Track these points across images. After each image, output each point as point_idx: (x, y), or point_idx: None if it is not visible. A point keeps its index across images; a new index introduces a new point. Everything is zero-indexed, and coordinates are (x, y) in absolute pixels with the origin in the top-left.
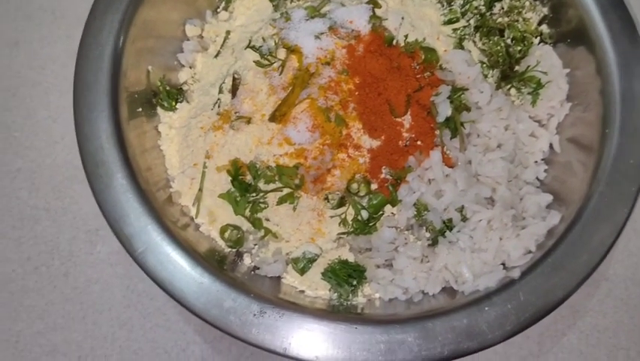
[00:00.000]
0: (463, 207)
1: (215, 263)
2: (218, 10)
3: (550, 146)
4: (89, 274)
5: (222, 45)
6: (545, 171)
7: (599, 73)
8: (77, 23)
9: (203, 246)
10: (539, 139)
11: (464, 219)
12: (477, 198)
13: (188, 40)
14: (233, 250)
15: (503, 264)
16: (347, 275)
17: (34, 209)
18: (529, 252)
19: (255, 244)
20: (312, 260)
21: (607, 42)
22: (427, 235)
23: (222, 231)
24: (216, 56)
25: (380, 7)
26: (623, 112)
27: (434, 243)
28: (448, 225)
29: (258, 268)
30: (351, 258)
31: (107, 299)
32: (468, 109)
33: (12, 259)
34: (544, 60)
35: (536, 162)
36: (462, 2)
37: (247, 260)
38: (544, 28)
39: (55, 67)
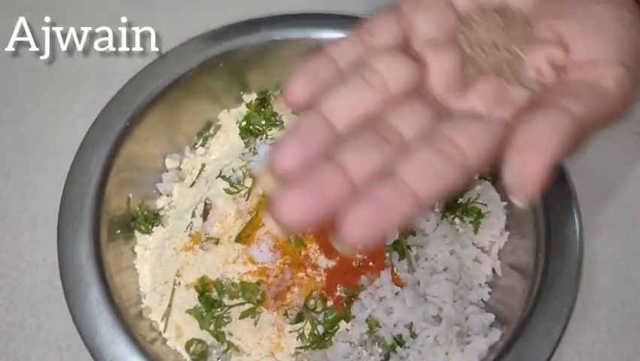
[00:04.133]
0: (412, 323)
1: None
2: (196, 146)
3: (493, 270)
4: None
5: (198, 176)
6: (489, 293)
7: (532, 207)
8: (68, 157)
9: (169, 359)
10: (483, 264)
11: (413, 335)
12: (425, 316)
13: (167, 171)
14: None
15: None
16: None
17: (10, 326)
18: None
19: (218, 358)
20: None
21: None
22: (379, 350)
23: (188, 345)
24: (192, 185)
25: None
26: (552, 240)
27: (386, 358)
28: (399, 340)
29: None
30: None
31: None
32: (413, 233)
33: None
34: (484, 194)
35: (480, 284)
36: None
37: None
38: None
39: (44, 195)
